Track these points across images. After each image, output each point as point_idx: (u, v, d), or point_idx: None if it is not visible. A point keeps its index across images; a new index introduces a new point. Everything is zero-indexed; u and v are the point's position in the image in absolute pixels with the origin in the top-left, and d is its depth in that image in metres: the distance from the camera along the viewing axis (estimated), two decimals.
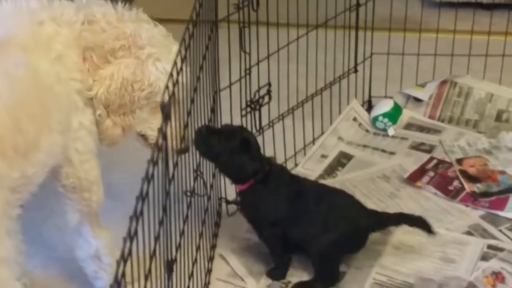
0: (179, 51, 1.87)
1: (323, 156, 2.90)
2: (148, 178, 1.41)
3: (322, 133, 2.98)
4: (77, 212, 2.16)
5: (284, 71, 2.79)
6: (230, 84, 2.56)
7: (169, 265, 1.68)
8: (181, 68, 1.86)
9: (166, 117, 1.53)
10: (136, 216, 1.34)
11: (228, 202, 2.63)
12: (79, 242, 2.23)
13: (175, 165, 1.78)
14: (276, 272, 2.38)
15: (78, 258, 2.27)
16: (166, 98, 1.64)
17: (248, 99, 2.63)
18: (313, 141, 2.95)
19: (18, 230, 2.20)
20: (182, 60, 1.89)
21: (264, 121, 2.75)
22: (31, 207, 2.26)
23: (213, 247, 2.48)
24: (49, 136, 1.94)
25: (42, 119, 1.92)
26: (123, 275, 1.30)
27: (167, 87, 1.66)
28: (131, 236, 1.32)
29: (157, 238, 1.58)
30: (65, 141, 2.02)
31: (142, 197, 1.36)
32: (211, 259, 2.43)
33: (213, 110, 2.48)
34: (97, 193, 2.15)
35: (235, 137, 2.31)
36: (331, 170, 2.82)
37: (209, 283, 2.35)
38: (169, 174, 1.65)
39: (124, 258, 1.28)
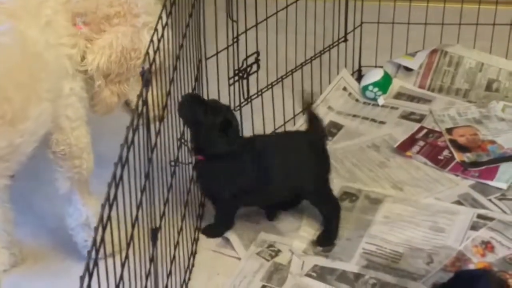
0: (160, 17, 1.84)
1: None
2: (127, 144, 1.39)
3: (312, 102, 2.95)
4: (67, 180, 2.14)
5: (273, 40, 2.76)
6: (217, 52, 2.53)
7: (154, 233, 1.66)
8: (162, 35, 1.83)
9: (147, 82, 1.51)
10: (115, 181, 1.31)
11: None
12: (69, 210, 2.21)
13: (158, 132, 1.75)
14: (216, 230, 2.38)
15: (68, 226, 2.25)
16: (147, 64, 1.61)
17: (236, 68, 2.60)
18: (303, 111, 2.92)
19: (7, 199, 2.18)
20: (163, 27, 1.86)
21: (253, 91, 2.72)
22: (20, 176, 2.25)
23: (200, 216, 2.46)
24: (37, 104, 1.91)
25: (30, 87, 1.88)
26: (102, 241, 1.28)
27: (147, 53, 1.63)
28: (109, 201, 1.29)
29: (139, 206, 1.55)
30: (55, 109, 1.99)
31: (122, 162, 1.34)
32: (197, 228, 2.41)
33: (197, 79, 2.45)
34: (87, 160, 2.13)
35: (219, 114, 2.29)
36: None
37: (195, 252, 2.34)
38: (151, 141, 1.62)
39: (102, 224, 1.25)
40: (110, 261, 1.45)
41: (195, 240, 2.36)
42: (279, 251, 2.34)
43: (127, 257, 1.46)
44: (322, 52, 2.98)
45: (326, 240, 2.36)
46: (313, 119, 2.40)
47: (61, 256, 2.35)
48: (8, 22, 1.86)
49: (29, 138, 1.90)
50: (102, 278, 1.33)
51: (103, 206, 1.28)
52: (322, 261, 2.29)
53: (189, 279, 2.25)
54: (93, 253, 1.23)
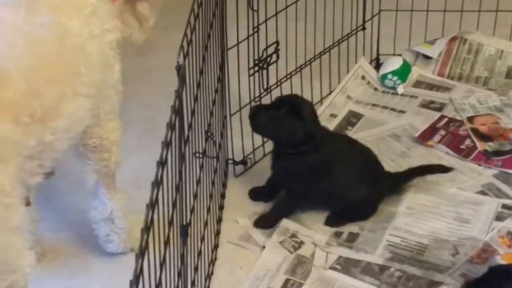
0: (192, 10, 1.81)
1: (332, 116, 2.85)
2: (167, 143, 1.36)
3: (330, 92, 2.93)
4: (95, 173, 2.11)
5: (292, 30, 2.73)
6: (238, 43, 2.50)
7: (185, 230, 1.64)
8: (194, 27, 1.80)
9: (183, 79, 1.48)
10: (157, 182, 1.29)
11: (235, 163, 2.59)
12: (94, 204, 2.19)
13: (189, 126, 1.73)
14: (267, 221, 2.36)
15: (91, 220, 2.23)
16: (181, 59, 1.58)
17: (256, 58, 2.58)
18: (321, 101, 2.90)
19: (33, 198, 2.16)
20: (195, 18, 1.83)
21: (272, 81, 2.70)
22: None
23: (221, 208, 2.44)
24: (72, 101, 1.85)
25: (64, 83, 1.82)
26: (147, 244, 1.26)
27: (182, 47, 1.60)
28: (153, 203, 1.27)
29: (174, 204, 1.53)
30: (95, 105, 1.94)
31: (162, 162, 1.32)
32: (219, 220, 2.40)
33: (221, 68, 2.44)
34: (116, 153, 2.10)
35: (284, 104, 2.32)
36: (340, 130, 2.77)
37: (218, 245, 2.32)
38: (185, 136, 1.60)
39: (147, 226, 1.23)
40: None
41: (217, 233, 2.35)
42: (302, 242, 2.32)
43: (164, 258, 1.44)
44: (340, 41, 2.95)
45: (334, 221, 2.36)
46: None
47: (81, 252, 2.33)
48: (50, 15, 1.79)
49: (63, 135, 1.85)
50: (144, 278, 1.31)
51: (147, 207, 1.26)
52: (346, 253, 2.27)
53: (212, 273, 2.23)
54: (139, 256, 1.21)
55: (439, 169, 2.47)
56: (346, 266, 2.24)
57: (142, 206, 2.41)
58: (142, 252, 1.21)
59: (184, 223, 1.65)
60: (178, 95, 1.48)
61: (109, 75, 1.97)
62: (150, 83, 3.04)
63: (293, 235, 2.34)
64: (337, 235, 2.34)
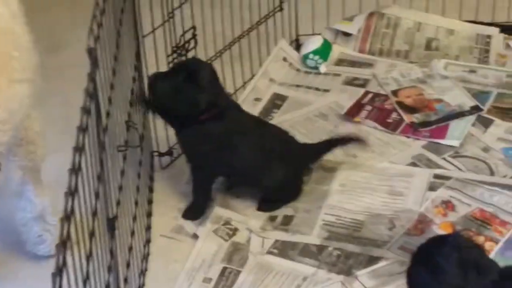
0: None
1: (257, 100, 2.79)
2: (83, 128, 1.29)
3: (253, 76, 2.87)
4: (21, 169, 1.98)
5: (209, 15, 2.67)
6: (154, 29, 2.43)
7: (111, 223, 1.56)
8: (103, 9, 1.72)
9: (95, 61, 1.40)
10: (75, 169, 1.22)
11: (161, 154, 2.51)
12: (21, 204, 2.06)
13: (107, 114, 1.65)
14: (195, 211, 2.30)
15: (19, 222, 2.10)
16: (92, 42, 1.50)
17: (174, 45, 2.51)
18: (244, 85, 2.84)
19: None
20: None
21: None
22: None
23: (150, 202, 2.37)
24: (7, 89, 1.72)
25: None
26: (68, 235, 1.18)
27: (91, 29, 1.52)
28: (72, 191, 1.19)
29: (97, 195, 1.45)
30: (34, 89, 1.80)
31: (79, 148, 1.24)
32: (149, 215, 2.32)
33: (137, 57, 2.36)
34: (41, 146, 1.98)
35: (180, 72, 2.23)
36: (266, 113, 2.72)
37: (150, 240, 2.25)
38: (102, 123, 1.52)
39: (67, 216, 1.16)
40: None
41: (148, 227, 2.27)
42: (236, 229, 2.26)
43: (91, 250, 1.36)
44: (258, 23, 2.89)
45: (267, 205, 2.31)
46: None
47: (6, 260, 2.22)
48: None
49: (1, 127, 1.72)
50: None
51: (66, 196, 1.18)
52: (282, 236, 2.23)
53: (146, 269, 2.16)
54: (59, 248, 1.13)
55: (357, 140, 2.43)
56: (283, 249, 2.19)
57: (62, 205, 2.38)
58: (63, 242, 1.13)
59: (111, 216, 1.57)
60: (92, 78, 1.40)
61: (34, 56, 1.85)
62: (65, 80, 2.94)
63: (227, 222, 2.28)
64: (272, 219, 2.29)
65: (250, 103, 2.77)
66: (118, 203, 1.74)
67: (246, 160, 2.28)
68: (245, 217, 2.30)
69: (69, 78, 2.94)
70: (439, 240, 1.77)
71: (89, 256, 1.36)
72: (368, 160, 2.46)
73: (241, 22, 2.81)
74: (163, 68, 2.46)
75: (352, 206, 2.30)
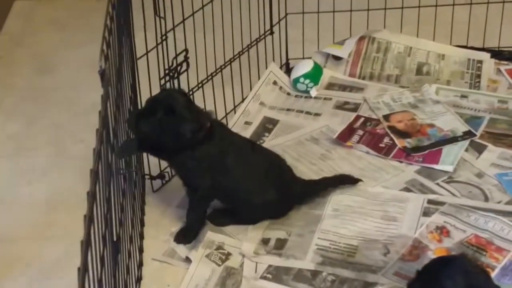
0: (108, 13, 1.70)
1: (247, 123, 2.78)
2: (99, 154, 1.26)
3: (243, 99, 2.86)
4: None
5: (201, 38, 2.65)
6: (147, 52, 2.41)
7: (116, 246, 1.53)
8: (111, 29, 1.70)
9: (107, 83, 1.38)
10: (93, 194, 1.19)
11: (152, 178, 2.49)
12: None
13: (115, 135, 1.62)
14: (188, 235, 2.28)
15: None
16: (103, 63, 1.48)
17: (166, 67, 2.49)
18: (235, 109, 2.83)
19: None
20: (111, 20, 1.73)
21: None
22: None
23: (143, 224, 2.34)
24: None
25: None
26: (86, 259, 1.15)
27: (102, 51, 1.50)
28: (91, 216, 1.17)
29: (106, 217, 1.43)
30: None
31: (96, 172, 1.21)
32: (141, 237, 2.29)
33: (133, 78, 2.34)
34: None
35: (158, 109, 2.22)
36: (257, 137, 2.71)
37: (142, 263, 2.22)
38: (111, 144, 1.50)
39: (87, 240, 1.12)
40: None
41: (141, 250, 2.24)
42: (229, 254, 2.24)
43: (101, 276, 1.33)
44: (249, 46, 2.88)
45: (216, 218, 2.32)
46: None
47: None
48: None
49: None
50: None
51: (86, 220, 1.16)
52: (275, 261, 2.20)
53: None
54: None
55: (349, 180, 2.43)
56: (277, 274, 2.17)
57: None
58: (84, 267, 1.10)
59: (114, 238, 1.54)
60: (103, 99, 1.38)
61: None
62: (53, 102, 2.92)
63: (219, 247, 2.25)
64: (265, 242, 2.27)
65: (241, 126, 2.76)
66: (121, 224, 1.71)
67: (234, 179, 2.28)
68: (237, 240, 2.28)
69: (57, 100, 2.93)
70: (444, 262, 1.75)
71: (100, 281, 1.32)
72: (361, 185, 2.44)
73: (233, 46, 2.80)
74: (156, 90, 2.44)
75: (346, 231, 2.28)
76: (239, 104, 2.84)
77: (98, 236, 1.38)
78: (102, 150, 1.37)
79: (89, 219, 1.17)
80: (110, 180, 1.46)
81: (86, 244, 1.15)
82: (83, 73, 3.04)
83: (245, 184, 2.29)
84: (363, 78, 2.96)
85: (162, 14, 2.40)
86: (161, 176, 2.49)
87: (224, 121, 2.76)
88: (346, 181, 2.43)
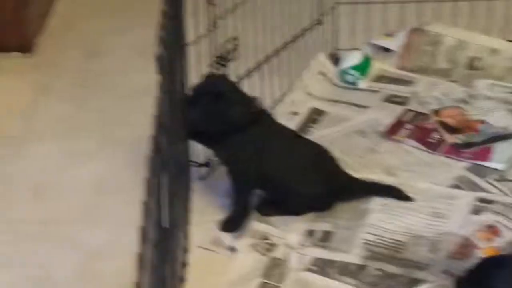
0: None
1: (294, 113, 2.75)
2: (156, 142, 1.24)
3: (290, 89, 2.83)
4: None
5: (249, 26, 2.64)
6: (197, 39, 2.40)
7: (167, 232, 1.52)
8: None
9: (163, 71, 1.36)
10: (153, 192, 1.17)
11: (199, 165, 2.48)
12: None
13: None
14: (233, 223, 2.27)
15: None
16: (160, 48, 1.46)
17: (215, 54, 2.48)
18: (281, 98, 2.80)
19: None
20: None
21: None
22: None
23: (189, 211, 2.33)
24: None
25: None
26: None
27: (160, 37, 1.49)
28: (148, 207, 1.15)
29: (159, 202, 1.41)
30: None
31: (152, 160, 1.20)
32: (187, 224, 2.28)
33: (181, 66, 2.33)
34: None
35: (205, 96, 2.24)
36: (304, 127, 2.68)
37: (188, 249, 2.21)
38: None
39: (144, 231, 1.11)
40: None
41: (187, 236, 2.23)
42: (274, 244, 2.22)
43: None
44: (297, 36, 2.86)
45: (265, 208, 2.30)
46: None
47: None
48: None
49: None
50: None
51: (143, 205, 1.14)
52: (321, 253, 2.18)
53: (184, 278, 2.11)
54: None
55: (399, 194, 2.34)
56: (322, 267, 2.15)
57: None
58: (141, 258, 1.09)
59: (166, 224, 1.54)
60: (162, 87, 1.36)
61: None
62: (101, 86, 2.92)
63: (265, 237, 2.24)
64: (310, 234, 2.25)
65: (287, 116, 2.73)
66: (171, 211, 1.70)
67: (280, 167, 2.26)
68: (283, 231, 2.26)
69: (105, 84, 2.93)
70: (496, 263, 1.71)
71: (154, 266, 1.31)
72: (409, 180, 2.41)
73: (281, 35, 2.78)
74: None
75: (393, 226, 2.25)
76: (285, 93, 2.82)
77: (151, 221, 1.37)
78: (158, 137, 1.36)
79: (146, 205, 1.16)
80: (165, 167, 1.45)
81: (143, 230, 1.14)
82: (130, 58, 3.04)
83: (289, 174, 2.28)
84: (413, 72, 2.92)
85: (213, 2, 2.39)
86: (207, 163, 2.48)
87: (270, 110, 2.74)
88: (395, 194, 2.34)
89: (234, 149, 2.27)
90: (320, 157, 2.35)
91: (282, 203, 2.29)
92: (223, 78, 2.38)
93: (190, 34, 2.40)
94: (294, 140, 2.37)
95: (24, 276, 2.14)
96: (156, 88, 1.59)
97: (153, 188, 1.27)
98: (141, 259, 1.10)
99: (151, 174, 1.25)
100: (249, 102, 2.31)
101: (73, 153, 2.60)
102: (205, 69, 2.45)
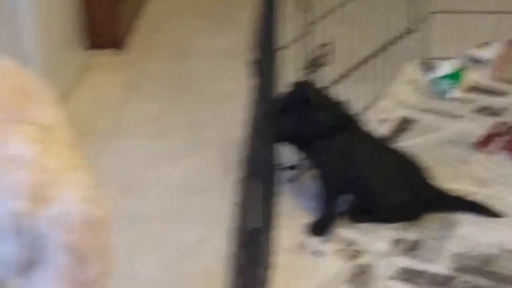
0: None
1: (382, 121, 2.72)
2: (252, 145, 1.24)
3: (379, 97, 2.80)
4: None
5: (339, 33, 2.62)
6: (288, 44, 2.39)
7: (256, 234, 1.51)
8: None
9: (258, 72, 1.35)
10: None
11: (286, 169, 2.47)
12: None
13: None
14: (320, 228, 2.25)
15: None
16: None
17: (307, 59, 2.47)
18: (369, 106, 2.77)
19: None
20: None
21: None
22: None
23: (276, 214, 2.32)
24: None
25: None
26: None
27: (254, 41, 1.48)
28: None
29: (246, 204, 1.41)
30: None
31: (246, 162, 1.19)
32: (274, 227, 2.27)
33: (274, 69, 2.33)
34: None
35: (294, 103, 2.28)
36: (393, 135, 2.64)
37: (274, 252, 2.19)
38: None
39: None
40: None
41: (273, 240, 2.22)
42: (360, 251, 2.19)
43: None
44: (388, 44, 2.83)
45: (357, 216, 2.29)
46: None
47: None
48: None
49: None
50: None
51: (236, 207, 1.14)
52: (409, 263, 2.14)
53: (269, 280, 2.10)
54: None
55: (487, 212, 2.28)
56: (409, 277, 2.11)
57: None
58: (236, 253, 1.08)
59: (255, 226, 1.53)
60: (257, 91, 1.36)
61: None
62: (190, 88, 2.94)
63: (351, 244, 2.21)
64: (397, 243, 2.21)
65: (376, 124, 2.70)
66: (261, 213, 1.70)
67: (367, 173, 2.25)
68: (370, 239, 2.23)
69: (193, 87, 2.94)
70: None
71: (242, 266, 1.31)
72: (501, 193, 2.35)
73: (372, 42, 2.75)
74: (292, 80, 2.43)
75: (484, 239, 2.20)
76: (375, 100, 2.79)
77: (241, 223, 1.36)
78: (252, 139, 1.35)
79: (240, 207, 1.15)
80: (257, 169, 1.44)
81: (235, 231, 1.13)
82: (218, 62, 3.06)
83: (375, 182, 2.26)
84: (508, 83, 2.85)
85: (305, 8, 2.38)
86: (295, 166, 2.47)
87: (359, 117, 2.71)
88: (483, 211, 2.28)
89: (323, 153, 2.27)
90: (408, 166, 2.31)
91: (371, 210, 2.26)
92: (311, 85, 2.39)
93: (282, 39, 2.39)
94: (382, 148, 2.36)
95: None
96: (250, 91, 1.58)
97: (245, 190, 1.26)
98: (232, 260, 1.09)
99: (244, 176, 1.24)
100: (337, 108, 2.32)
101: (160, 152, 2.62)
102: (296, 74, 2.44)
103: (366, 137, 2.35)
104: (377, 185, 2.26)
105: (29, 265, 1.23)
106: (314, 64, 2.49)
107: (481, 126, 2.65)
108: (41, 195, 1.24)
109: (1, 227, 1.22)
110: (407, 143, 2.58)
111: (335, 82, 2.65)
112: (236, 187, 1.34)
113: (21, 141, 1.26)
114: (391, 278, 2.11)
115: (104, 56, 3.07)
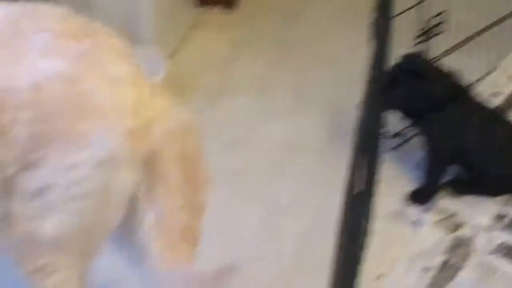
0: None
1: (495, 94, 2.67)
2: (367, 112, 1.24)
3: (491, 70, 2.74)
4: None
5: (458, 3, 2.58)
6: (403, 12, 2.36)
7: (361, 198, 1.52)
8: None
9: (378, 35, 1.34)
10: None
11: (391, 136, 2.45)
12: None
13: None
14: (423, 196, 2.24)
15: None
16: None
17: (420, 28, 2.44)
18: (484, 77, 2.72)
19: None
20: None
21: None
22: None
23: (377, 181, 2.31)
24: None
25: None
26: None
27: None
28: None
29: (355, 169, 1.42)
30: None
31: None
32: (375, 193, 2.26)
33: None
34: None
35: (404, 76, 2.28)
36: (503, 110, 2.59)
37: (373, 218, 2.19)
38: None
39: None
40: None
41: (373, 206, 2.22)
42: (461, 224, 2.17)
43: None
44: (508, 16, 2.76)
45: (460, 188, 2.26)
46: None
47: None
48: None
49: None
50: None
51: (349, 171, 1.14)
52: (509, 239, 2.11)
53: (366, 245, 2.11)
54: None
55: None
56: (509, 252, 2.08)
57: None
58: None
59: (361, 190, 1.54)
60: (376, 57, 1.36)
61: None
62: (297, 48, 2.94)
63: (452, 215, 2.20)
64: (500, 218, 2.18)
65: (488, 97, 2.65)
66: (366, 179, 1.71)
67: (477, 144, 2.23)
68: (471, 212, 2.21)
69: (301, 47, 2.94)
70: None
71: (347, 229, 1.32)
72: None
73: (491, 14, 2.69)
74: (405, 50, 2.40)
75: None
76: (488, 73, 2.73)
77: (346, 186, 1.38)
78: (367, 103, 1.36)
79: (351, 171, 1.16)
80: (370, 134, 1.45)
81: (349, 196, 1.15)
82: (328, 24, 3.04)
83: (485, 153, 2.23)
84: None
85: None
86: (400, 134, 2.45)
87: (471, 88, 2.67)
88: None
89: (434, 124, 2.25)
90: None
91: (477, 182, 2.23)
92: (421, 56, 2.37)
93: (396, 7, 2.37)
94: (494, 119, 2.31)
95: (208, 223, 2.20)
96: (364, 56, 1.57)
97: (357, 155, 1.26)
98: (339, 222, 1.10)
99: (359, 140, 1.24)
100: (447, 78, 2.30)
101: (266, 109, 2.64)
102: (409, 44, 2.41)
103: (478, 108, 2.33)
104: (485, 156, 2.23)
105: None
106: (428, 33, 2.46)
107: None
108: (145, 111, 1.32)
109: (116, 153, 1.28)
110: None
111: (450, 52, 2.61)
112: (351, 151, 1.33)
113: (113, 60, 1.35)
114: (491, 253, 2.08)
115: (214, 14, 3.09)
